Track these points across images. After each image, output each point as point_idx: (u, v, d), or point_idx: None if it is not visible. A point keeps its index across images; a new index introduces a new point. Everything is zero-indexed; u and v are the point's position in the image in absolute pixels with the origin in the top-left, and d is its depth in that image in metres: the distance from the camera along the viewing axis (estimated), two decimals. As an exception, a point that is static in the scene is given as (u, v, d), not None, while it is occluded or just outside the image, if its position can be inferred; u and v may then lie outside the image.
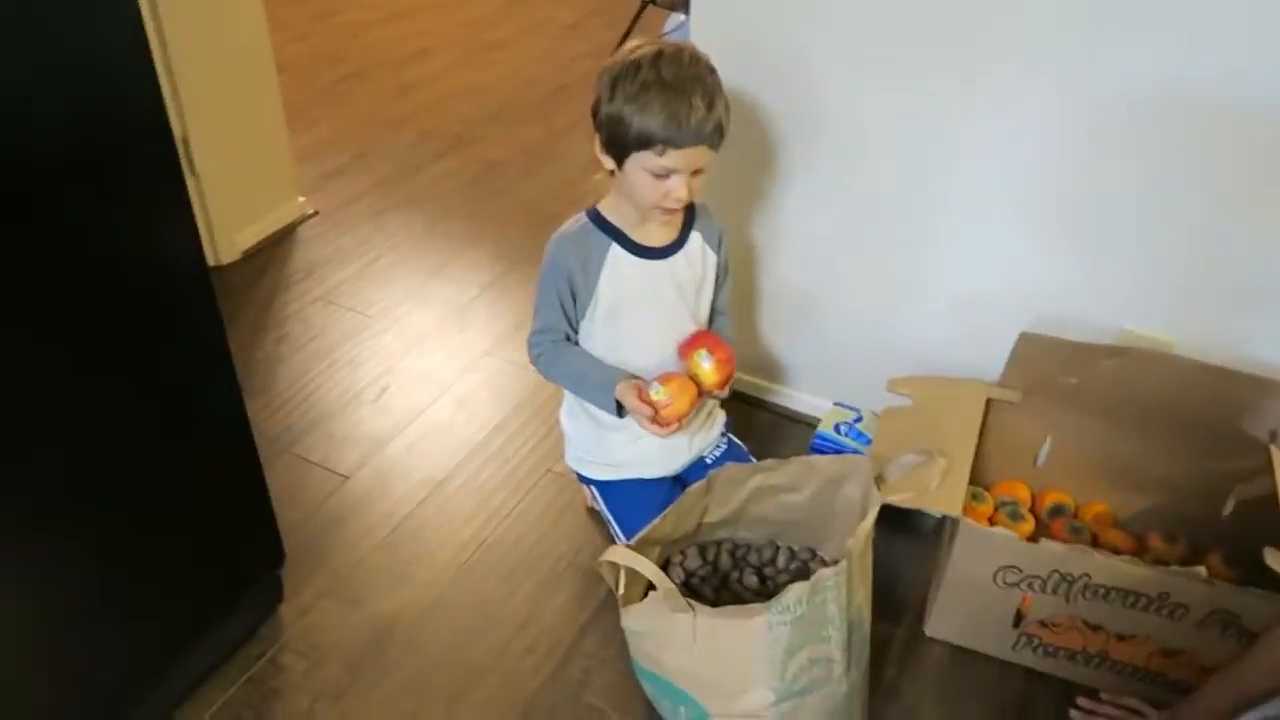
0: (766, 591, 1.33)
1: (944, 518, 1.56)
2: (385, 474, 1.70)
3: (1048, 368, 1.48)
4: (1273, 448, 1.39)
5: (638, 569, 1.08)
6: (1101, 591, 1.30)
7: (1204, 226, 1.36)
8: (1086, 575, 1.29)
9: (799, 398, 1.85)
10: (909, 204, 1.54)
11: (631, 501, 1.47)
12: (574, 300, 1.36)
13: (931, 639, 1.46)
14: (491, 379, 1.94)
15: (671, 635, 1.13)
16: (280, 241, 2.33)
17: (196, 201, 2.08)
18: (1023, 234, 1.49)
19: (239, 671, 1.36)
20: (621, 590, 1.15)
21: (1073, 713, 1.36)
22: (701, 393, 1.34)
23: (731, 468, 1.30)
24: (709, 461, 1.53)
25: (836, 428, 1.71)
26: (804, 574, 1.36)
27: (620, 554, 1.10)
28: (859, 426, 1.70)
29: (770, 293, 1.76)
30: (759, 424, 1.82)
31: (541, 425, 1.81)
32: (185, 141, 2.03)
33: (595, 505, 1.59)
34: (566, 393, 1.51)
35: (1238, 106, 1.25)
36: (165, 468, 1.16)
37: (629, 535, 1.44)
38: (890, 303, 1.66)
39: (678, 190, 1.23)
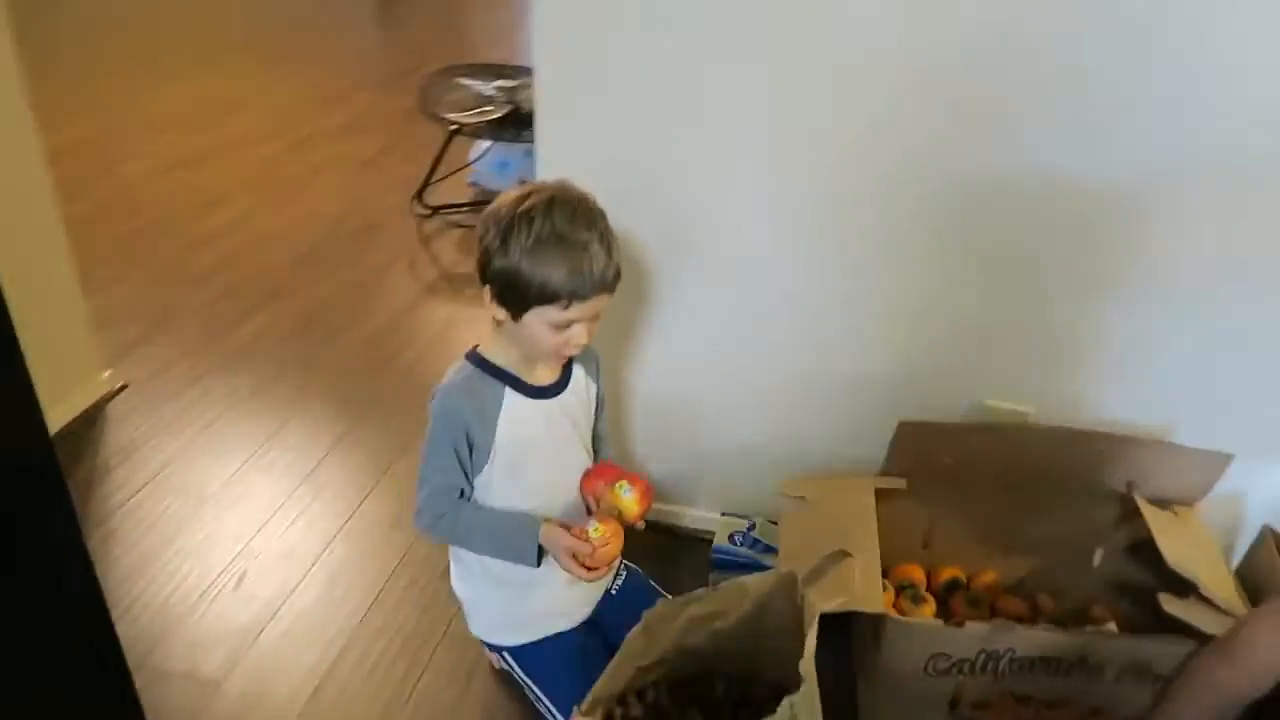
0: (715, 726, 1.28)
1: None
2: (263, 671, 1.53)
3: (925, 450, 1.55)
4: (1136, 496, 1.50)
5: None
6: (1026, 663, 1.34)
7: (1044, 301, 1.48)
8: (1011, 650, 1.33)
9: (687, 514, 1.84)
10: (772, 308, 1.59)
11: (551, 660, 1.39)
12: (470, 453, 1.29)
13: (869, 742, 1.45)
14: (362, 543, 1.81)
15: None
16: (90, 423, 2.10)
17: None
18: (884, 322, 1.57)
19: None
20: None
21: (1017, 788, 1.39)
22: (623, 525, 1.30)
23: (664, 606, 1.25)
24: (614, 593, 1.48)
25: (731, 538, 1.71)
26: (746, 700, 1.33)
27: None
28: (754, 534, 1.71)
29: (644, 413, 1.76)
30: (653, 548, 1.78)
31: (428, 585, 1.70)
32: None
33: (506, 667, 1.50)
34: (458, 560, 1.43)
35: (1064, 186, 1.38)
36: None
37: (557, 697, 1.37)
38: (765, 406, 1.69)
39: (579, 338, 1.21)
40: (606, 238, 1.18)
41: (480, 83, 3.24)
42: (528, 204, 1.16)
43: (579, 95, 1.46)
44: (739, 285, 1.59)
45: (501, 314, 1.23)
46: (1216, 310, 1.44)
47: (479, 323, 1.29)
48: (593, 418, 1.43)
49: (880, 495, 1.57)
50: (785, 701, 1.09)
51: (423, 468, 1.31)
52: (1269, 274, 1.40)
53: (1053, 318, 1.49)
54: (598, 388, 1.43)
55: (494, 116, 3.04)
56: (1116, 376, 1.53)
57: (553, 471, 1.35)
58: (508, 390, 1.29)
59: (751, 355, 1.65)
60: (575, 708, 1.18)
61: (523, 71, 3.44)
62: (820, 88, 1.38)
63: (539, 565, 1.29)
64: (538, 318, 1.19)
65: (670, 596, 1.33)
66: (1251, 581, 1.40)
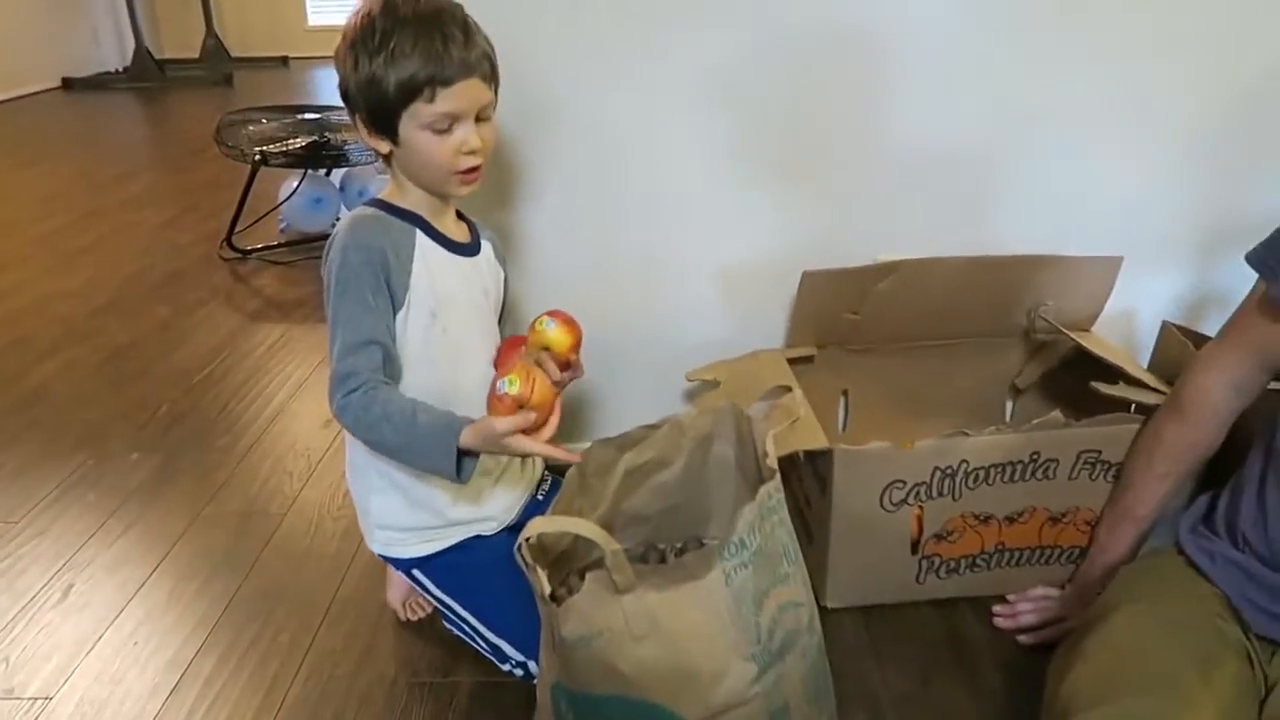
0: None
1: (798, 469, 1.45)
2: (105, 677, 1.24)
3: (831, 305, 1.48)
4: (1043, 317, 1.48)
5: (574, 531, 0.83)
6: (982, 473, 1.26)
7: (915, 136, 1.47)
8: (965, 461, 1.26)
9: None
10: (642, 198, 1.51)
11: (471, 568, 1.18)
12: (389, 298, 1.08)
13: (834, 610, 1.32)
14: (229, 538, 1.53)
15: (622, 630, 0.88)
16: None
17: None
18: (760, 197, 1.51)
19: None
20: (548, 590, 0.88)
21: (996, 620, 1.29)
22: (563, 368, 1.12)
23: (598, 450, 1.09)
24: (540, 498, 1.30)
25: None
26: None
27: (546, 522, 0.85)
28: (665, 442, 1.56)
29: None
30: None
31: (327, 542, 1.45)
32: None
33: (416, 612, 1.30)
34: (352, 445, 1.18)
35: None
36: None
37: (483, 608, 1.18)
38: (648, 309, 1.58)
39: (468, 140, 1.05)
40: (463, 18, 1.05)
41: (282, 117, 3.07)
42: (363, 12, 1.04)
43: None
44: (604, 184, 1.50)
45: (384, 145, 1.07)
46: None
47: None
48: (500, 301, 1.26)
49: (792, 370, 1.48)
50: (763, 490, 0.95)
51: (331, 325, 1.06)
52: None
53: (927, 150, 1.48)
54: (504, 273, 1.27)
55: (301, 145, 2.87)
56: (991, 215, 1.52)
57: (472, 341, 1.18)
58: (419, 234, 1.12)
59: (624, 255, 1.55)
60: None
61: (326, 108, 3.29)
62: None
63: (460, 478, 1.05)
64: (413, 125, 1.04)
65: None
66: (1167, 377, 1.39)
